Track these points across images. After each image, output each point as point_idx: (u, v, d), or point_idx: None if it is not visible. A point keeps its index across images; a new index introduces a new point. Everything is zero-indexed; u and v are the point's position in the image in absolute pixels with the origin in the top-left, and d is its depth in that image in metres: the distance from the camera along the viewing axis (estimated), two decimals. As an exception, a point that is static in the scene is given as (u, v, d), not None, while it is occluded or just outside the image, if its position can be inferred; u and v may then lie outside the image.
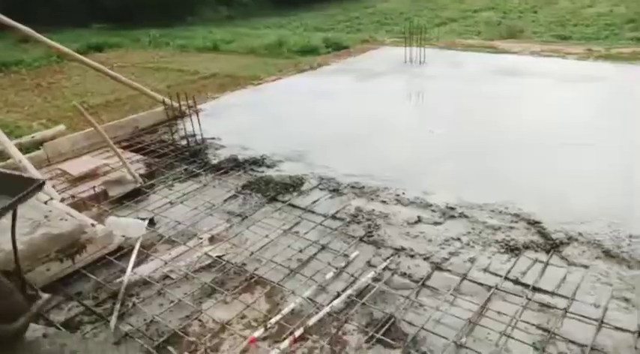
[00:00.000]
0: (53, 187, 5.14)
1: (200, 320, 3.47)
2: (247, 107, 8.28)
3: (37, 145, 6.32)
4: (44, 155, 5.91)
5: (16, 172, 2.77)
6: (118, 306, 3.59)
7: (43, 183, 2.70)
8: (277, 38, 14.58)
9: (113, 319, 3.46)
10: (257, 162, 5.93)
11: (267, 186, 5.25)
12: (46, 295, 3.28)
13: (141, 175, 5.54)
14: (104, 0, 20.17)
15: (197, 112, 6.53)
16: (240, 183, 5.43)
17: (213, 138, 6.69)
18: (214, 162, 6.00)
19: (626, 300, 3.41)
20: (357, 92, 9.09)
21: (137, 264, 4.10)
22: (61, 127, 6.51)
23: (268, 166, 5.84)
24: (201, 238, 4.43)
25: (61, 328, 3.42)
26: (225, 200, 5.09)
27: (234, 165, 5.86)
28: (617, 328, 3.17)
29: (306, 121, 7.44)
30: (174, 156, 6.19)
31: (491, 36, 14.70)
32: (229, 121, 7.52)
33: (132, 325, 3.44)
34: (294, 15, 21.48)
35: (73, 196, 5.10)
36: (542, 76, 9.21)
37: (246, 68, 12.03)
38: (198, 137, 6.59)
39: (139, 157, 6.18)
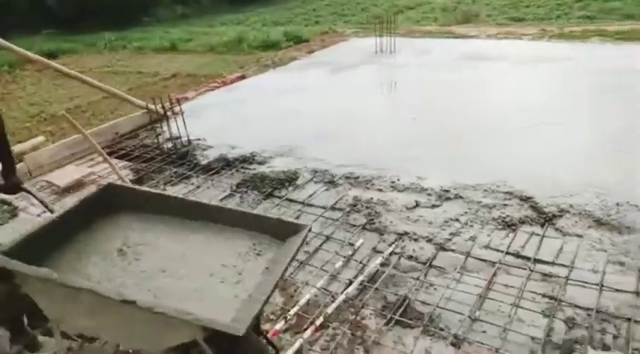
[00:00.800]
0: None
1: (218, 318, 3.50)
2: (225, 107, 8.22)
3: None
4: (25, 168, 5.74)
5: (275, 217, 2.50)
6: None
7: (310, 228, 2.48)
8: (236, 34, 14.52)
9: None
10: (247, 160, 5.90)
11: (262, 182, 5.25)
12: None
13: (130, 181, 5.46)
14: (54, 4, 19.53)
15: (181, 114, 6.46)
16: (234, 182, 5.41)
17: (198, 139, 6.62)
18: (204, 163, 5.94)
19: (622, 264, 3.64)
20: (335, 85, 9.17)
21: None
22: (41, 138, 6.33)
23: (259, 163, 5.82)
24: (205, 239, 4.44)
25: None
26: (222, 199, 5.07)
27: (225, 164, 5.83)
28: (617, 290, 3.38)
29: (289, 116, 7.43)
30: (162, 159, 6.09)
31: (448, 22, 15.09)
32: (210, 122, 7.44)
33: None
34: (250, 10, 21.38)
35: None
36: (507, 59, 9.59)
37: (206, 66, 11.94)
38: (184, 139, 6.51)
39: (124, 163, 6.06)
